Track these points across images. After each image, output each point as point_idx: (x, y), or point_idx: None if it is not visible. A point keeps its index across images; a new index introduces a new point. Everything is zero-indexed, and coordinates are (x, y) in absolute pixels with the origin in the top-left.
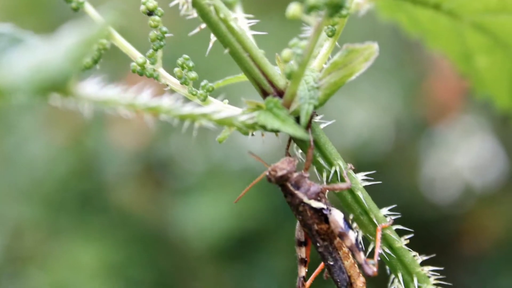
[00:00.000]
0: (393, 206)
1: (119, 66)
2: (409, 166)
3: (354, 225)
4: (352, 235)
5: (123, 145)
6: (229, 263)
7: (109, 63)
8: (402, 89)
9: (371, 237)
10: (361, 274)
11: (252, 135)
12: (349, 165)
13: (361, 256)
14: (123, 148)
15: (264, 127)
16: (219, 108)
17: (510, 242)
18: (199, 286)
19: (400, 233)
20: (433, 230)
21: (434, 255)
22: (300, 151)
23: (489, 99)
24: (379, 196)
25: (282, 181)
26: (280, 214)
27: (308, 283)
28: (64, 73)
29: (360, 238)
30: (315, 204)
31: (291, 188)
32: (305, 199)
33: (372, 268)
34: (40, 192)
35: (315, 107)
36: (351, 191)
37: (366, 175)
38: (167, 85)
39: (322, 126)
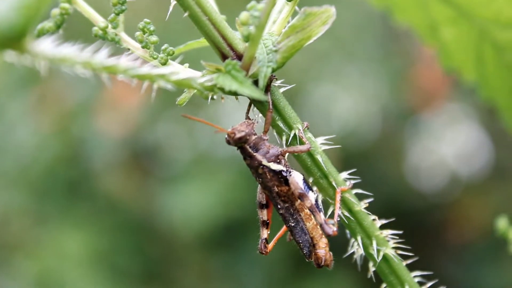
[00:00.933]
0: (353, 170)
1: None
2: (396, 155)
3: (314, 188)
4: (312, 196)
5: (110, 132)
6: (215, 251)
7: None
8: (389, 78)
9: (330, 201)
10: (323, 236)
11: (212, 99)
12: (305, 124)
13: (321, 216)
14: (109, 136)
15: (222, 89)
16: (178, 69)
17: (495, 231)
18: (185, 274)
19: (360, 197)
20: (419, 219)
21: (393, 219)
22: (260, 115)
23: (456, 71)
24: (366, 184)
25: (240, 143)
26: None
27: (270, 245)
28: (16, 28)
29: (320, 199)
30: (274, 166)
31: (250, 150)
32: (264, 162)
33: (332, 228)
34: (26, 179)
35: (273, 70)
36: (310, 154)
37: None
38: (129, 49)
39: (281, 90)
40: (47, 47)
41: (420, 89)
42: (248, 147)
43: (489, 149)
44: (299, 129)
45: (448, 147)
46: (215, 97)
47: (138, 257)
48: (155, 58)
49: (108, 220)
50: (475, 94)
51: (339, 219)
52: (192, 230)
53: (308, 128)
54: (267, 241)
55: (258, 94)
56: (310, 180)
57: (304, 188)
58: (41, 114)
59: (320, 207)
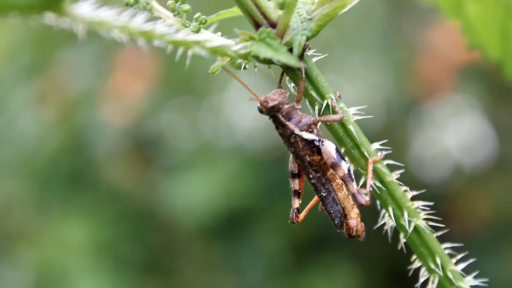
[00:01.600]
0: (385, 141)
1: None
2: (399, 146)
3: (346, 158)
4: (344, 166)
5: (113, 122)
6: (217, 242)
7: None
8: (393, 69)
9: (362, 171)
10: (355, 206)
11: (245, 68)
12: (338, 93)
13: (354, 186)
14: (112, 125)
15: (257, 57)
16: (212, 37)
17: (498, 223)
18: (187, 264)
19: (391, 168)
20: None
21: (424, 190)
22: (292, 84)
23: (480, 48)
24: None
25: (273, 112)
26: (269, 195)
27: (302, 214)
28: None
29: (352, 169)
30: (307, 135)
31: (282, 119)
32: (297, 131)
33: (364, 197)
34: (29, 168)
35: (308, 38)
36: (342, 124)
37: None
38: (160, 18)
39: (314, 59)
40: (85, 10)
41: (423, 80)
42: (280, 116)
43: (493, 141)
44: (332, 99)
45: (452, 138)
46: (247, 66)
47: (140, 247)
48: (187, 27)
49: (110, 210)
50: (479, 84)
51: (371, 189)
52: (194, 220)
53: (340, 98)
54: (298, 210)
55: (293, 61)
56: (342, 150)
57: (337, 157)
58: (44, 104)
59: (353, 176)
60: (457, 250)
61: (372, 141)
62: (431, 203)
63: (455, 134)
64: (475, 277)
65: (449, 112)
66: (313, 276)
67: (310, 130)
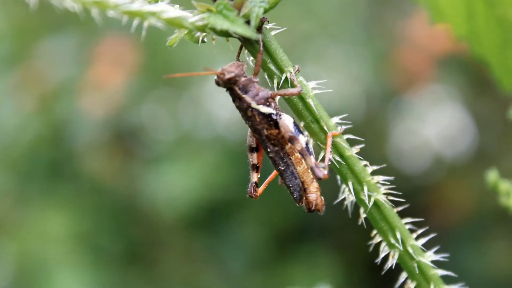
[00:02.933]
0: (345, 115)
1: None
2: (379, 137)
3: (305, 133)
4: (302, 139)
5: (93, 113)
6: (198, 233)
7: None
8: (373, 60)
9: (322, 145)
10: (314, 180)
11: (203, 41)
12: (297, 67)
13: (312, 160)
14: (92, 116)
15: (214, 29)
16: (169, 9)
17: (478, 214)
18: (168, 255)
19: (351, 143)
20: (393, 189)
21: (385, 165)
22: (251, 58)
23: (447, 28)
24: None
25: (230, 84)
26: None
27: (260, 189)
28: None
29: (311, 144)
30: (264, 109)
31: (239, 92)
32: (254, 104)
33: (322, 171)
34: (8, 159)
35: (265, 11)
36: (301, 98)
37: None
38: None
39: (273, 32)
40: None
41: (403, 70)
42: (237, 88)
43: (473, 132)
44: (291, 72)
45: (432, 128)
46: (205, 39)
47: (120, 239)
48: None
49: (90, 201)
50: (460, 75)
51: (329, 163)
52: (175, 212)
53: (299, 72)
54: (257, 185)
55: (250, 33)
56: (301, 124)
57: (295, 131)
58: (24, 94)
59: (311, 150)
60: (417, 225)
61: (352, 132)
62: (391, 178)
63: (435, 125)
64: (436, 252)
65: (429, 103)
66: (294, 267)
67: (268, 103)
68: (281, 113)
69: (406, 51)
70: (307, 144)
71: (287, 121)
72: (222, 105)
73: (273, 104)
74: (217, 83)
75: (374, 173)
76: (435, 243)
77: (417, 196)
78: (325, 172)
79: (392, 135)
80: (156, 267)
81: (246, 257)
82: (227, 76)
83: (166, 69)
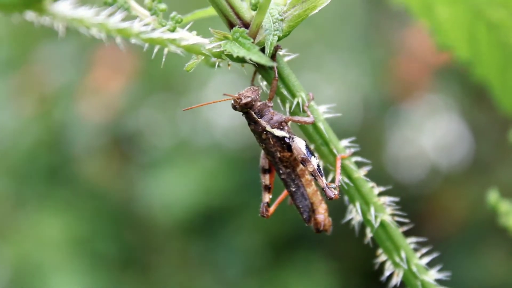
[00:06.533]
0: (353, 138)
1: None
2: (376, 145)
3: (316, 154)
4: (314, 161)
5: (91, 117)
6: (194, 239)
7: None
8: (371, 68)
9: (331, 167)
10: (323, 201)
11: (219, 66)
12: (311, 95)
13: (323, 180)
14: (90, 121)
15: (230, 56)
16: (187, 36)
17: (474, 223)
18: (163, 261)
19: (359, 165)
20: (399, 210)
21: (390, 187)
22: (264, 82)
23: (449, 49)
24: None
25: (246, 108)
26: (246, 193)
27: (272, 208)
28: None
29: (321, 165)
30: (278, 132)
31: (255, 116)
32: (268, 127)
33: (333, 191)
34: (6, 163)
35: (279, 39)
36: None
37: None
38: (137, 17)
39: (286, 59)
40: (65, 8)
41: (401, 79)
42: (253, 112)
43: (469, 141)
44: (305, 103)
45: (428, 138)
46: (221, 64)
47: (117, 243)
48: (163, 25)
49: (87, 206)
50: (456, 85)
51: (339, 183)
52: (171, 217)
53: (313, 99)
54: (268, 204)
55: (265, 60)
56: (312, 146)
57: (307, 153)
58: (22, 98)
59: (322, 172)
60: (421, 245)
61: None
62: (397, 199)
63: (432, 134)
64: (439, 271)
65: (426, 112)
66: (290, 274)
67: (281, 127)
68: (294, 136)
69: (403, 60)
70: (318, 166)
71: (299, 144)
72: (219, 112)
73: (286, 128)
74: (234, 107)
75: (381, 194)
76: (433, 251)
77: (413, 205)
78: (336, 192)
79: (388, 143)
80: (152, 272)
81: (242, 263)
82: (244, 101)
83: (165, 75)
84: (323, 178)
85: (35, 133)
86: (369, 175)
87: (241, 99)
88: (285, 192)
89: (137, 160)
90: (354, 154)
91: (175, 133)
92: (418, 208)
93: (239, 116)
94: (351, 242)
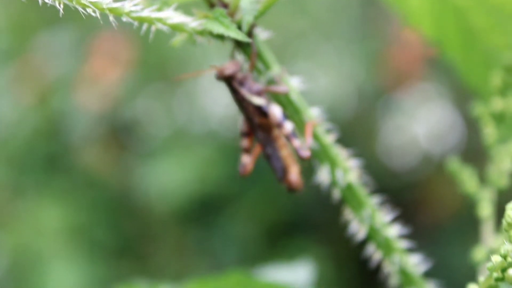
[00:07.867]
0: (322, 106)
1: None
2: (369, 134)
3: (291, 121)
4: (289, 125)
5: (89, 107)
6: (190, 227)
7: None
8: (366, 58)
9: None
10: (295, 163)
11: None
12: (284, 68)
13: (296, 142)
14: (88, 110)
15: (211, 33)
16: (173, 15)
17: (466, 211)
18: (160, 248)
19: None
20: (391, 198)
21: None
22: (243, 57)
23: (421, 32)
24: None
25: (229, 78)
26: (242, 181)
27: (249, 166)
28: None
29: (295, 130)
30: (256, 100)
31: (236, 85)
32: (248, 96)
33: (306, 152)
34: (4, 152)
35: (255, 18)
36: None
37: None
38: None
39: (262, 37)
40: None
41: (394, 68)
42: (235, 82)
43: (462, 130)
44: (278, 74)
45: (421, 126)
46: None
47: (114, 232)
48: (151, 5)
49: (86, 195)
50: (449, 74)
51: (310, 145)
52: (168, 206)
53: (286, 72)
54: (246, 165)
55: (241, 36)
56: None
57: (282, 118)
58: (21, 88)
59: (296, 135)
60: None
61: (343, 129)
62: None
63: (425, 123)
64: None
65: (419, 101)
66: (286, 261)
67: (259, 95)
68: (271, 104)
69: (397, 50)
70: (293, 129)
71: (275, 110)
72: (216, 101)
73: (264, 96)
74: (218, 78)
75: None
76: (423, 239)
77: (406, 193)
78: (308, 153)
79: (381, 132)
80: (149, 259)
81: (237, 250)
82: (227, 72)
83: (161, 63)
84: (296, 140)
85: (33, 122)
86: (362, 163)
87: (224, 70)
88: (258, 148)
89: (135, 150)
90: (344, 144)
91: (171, 122)
92: (411, 195)
93: (235, 105)
94: (343, 228)
